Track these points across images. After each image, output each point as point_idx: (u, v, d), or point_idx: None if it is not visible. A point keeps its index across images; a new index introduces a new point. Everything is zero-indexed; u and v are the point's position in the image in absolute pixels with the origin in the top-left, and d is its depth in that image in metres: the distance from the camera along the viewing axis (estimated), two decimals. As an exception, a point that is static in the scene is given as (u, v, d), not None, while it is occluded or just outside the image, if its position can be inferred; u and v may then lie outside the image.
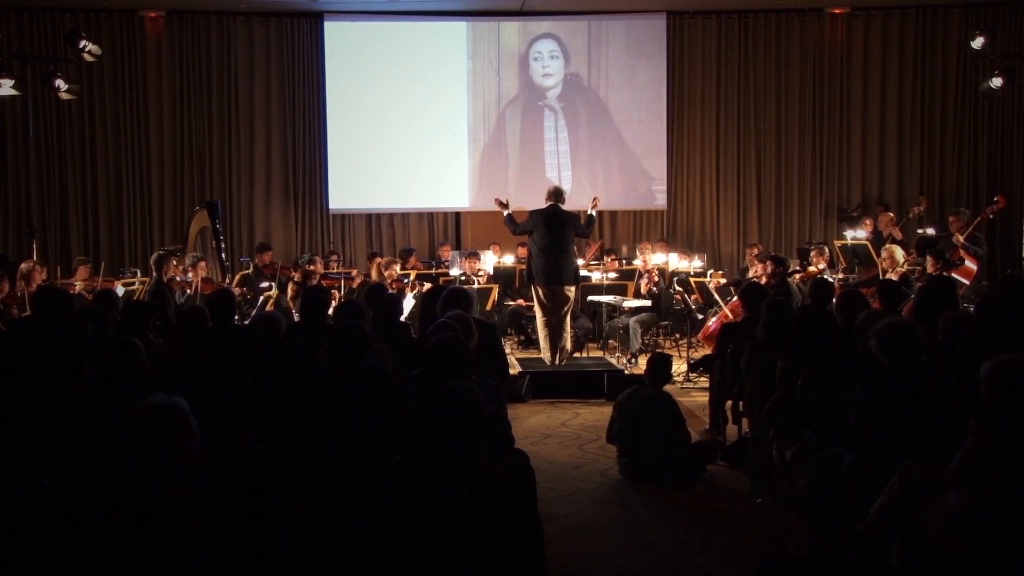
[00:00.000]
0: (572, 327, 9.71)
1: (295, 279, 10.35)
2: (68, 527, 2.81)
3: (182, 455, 2.89)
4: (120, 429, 2.87)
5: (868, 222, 12.10)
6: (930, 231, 11.70)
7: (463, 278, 10.94)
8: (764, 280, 9.60)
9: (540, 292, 9.31)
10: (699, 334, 10.06)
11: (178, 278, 9.40)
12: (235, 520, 3.05)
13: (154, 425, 2.86)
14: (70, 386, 3.97)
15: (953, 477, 3.46)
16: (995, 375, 3.53)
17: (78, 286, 9.52)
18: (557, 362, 9.33)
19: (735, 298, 9.39)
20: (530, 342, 11.21)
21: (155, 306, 7.32)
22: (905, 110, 13.50)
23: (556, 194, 9.32)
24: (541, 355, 9.62)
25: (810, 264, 10.69)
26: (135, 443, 2.85)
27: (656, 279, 11.11)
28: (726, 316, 9.30)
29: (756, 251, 11.69)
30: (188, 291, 9.42)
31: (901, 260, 9.65)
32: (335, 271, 11.36)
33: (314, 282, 9.87)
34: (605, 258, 12.23)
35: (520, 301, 11.36)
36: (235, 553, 2.94)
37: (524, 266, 11.70)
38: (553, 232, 9.12)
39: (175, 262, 9.57)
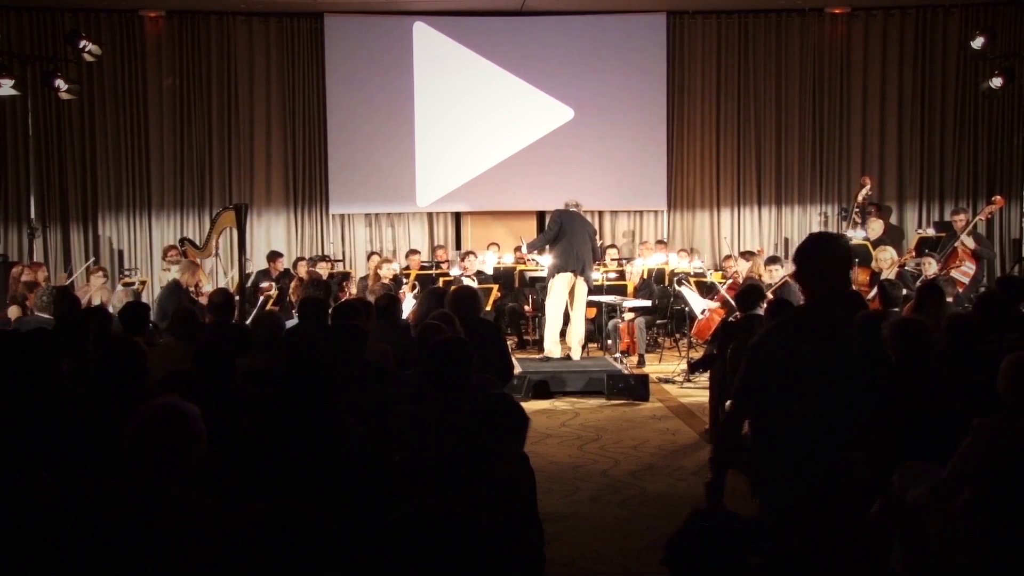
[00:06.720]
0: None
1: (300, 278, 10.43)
2: (71, 525, 2.82)
3: (188, 457, 2.90)
4: (128, 427, 2.88)
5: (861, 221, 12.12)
6: (930, 231, 11.68)
7: (463, 278, 10.97)
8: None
9: (562, 281, 9.60)
10: (693, 332, 10.18)
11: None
12: (237, 519, 3.05)
13: (162, 425, 2.86)
14: (67, 383, 3.97)
15: (952, 476, 3.46)
16: (1015, 370, 3.51)
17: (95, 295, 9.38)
18: (567, 354, 9.62)
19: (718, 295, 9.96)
20: (524, 344, 11.25)
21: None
22: (905, 110, 13.48)
23: (574, 204, 9.94)
24: (547, 350, 9.75)
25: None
26: (142, 442, 2.85)
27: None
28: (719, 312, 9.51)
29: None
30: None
31: (897, 261, 9.65)
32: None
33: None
34: (605, 256, 12.23)
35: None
36: (237, 552, 2.94)
37: (522, 267, 11.78)
38: (576, 229, 9.64)
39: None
